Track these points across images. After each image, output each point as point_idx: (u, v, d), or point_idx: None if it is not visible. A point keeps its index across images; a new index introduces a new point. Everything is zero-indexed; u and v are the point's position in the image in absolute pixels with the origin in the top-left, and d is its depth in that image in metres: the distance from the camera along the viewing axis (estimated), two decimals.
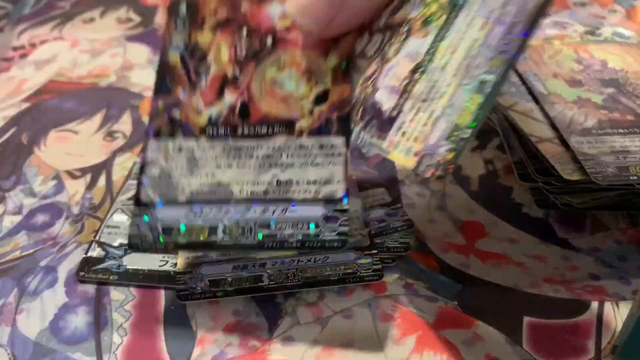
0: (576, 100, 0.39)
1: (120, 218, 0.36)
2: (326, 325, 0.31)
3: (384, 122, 0.28)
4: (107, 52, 0.56)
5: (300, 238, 0.28)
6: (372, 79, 0.29)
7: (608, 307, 0.32)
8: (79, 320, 0.31)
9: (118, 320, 0.31)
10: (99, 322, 0.31)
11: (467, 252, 0.35)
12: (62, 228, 0.37)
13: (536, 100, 0.40)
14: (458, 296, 0.33)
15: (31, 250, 0.35)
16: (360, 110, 0.29)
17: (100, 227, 0.36)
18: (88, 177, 0.41)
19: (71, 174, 0.41)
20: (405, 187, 0.40)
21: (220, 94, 0.31)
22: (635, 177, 0.32)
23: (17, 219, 0.38)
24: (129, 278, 0.33)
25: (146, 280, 0.33)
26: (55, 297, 0.33)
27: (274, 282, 0.32)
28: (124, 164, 0.42)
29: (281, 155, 0.29)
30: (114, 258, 0.34)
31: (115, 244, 0.35)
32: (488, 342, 0.30)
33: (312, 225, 0.28)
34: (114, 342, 0.30)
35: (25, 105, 0.49)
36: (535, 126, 0.37)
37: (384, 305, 0.32)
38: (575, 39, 0.47)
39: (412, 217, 0.36)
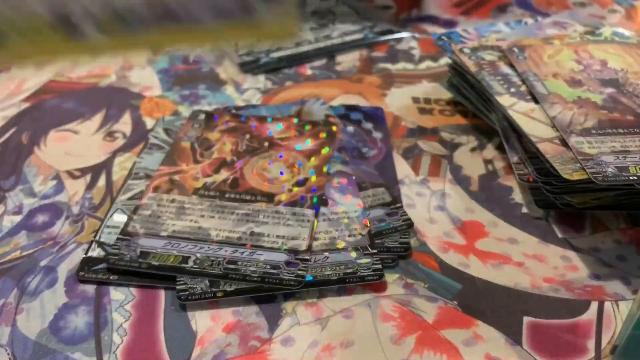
0: (576, 100, 0.39)
1: (120, 218, 0.36)
2: (326, 325, 0.31)
3: None
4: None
5: (261, 274, 0.32)
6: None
7: (608, 307, 0.32)
8: (79, 320, 0.31)
9: (118, 320, 0.31)
10: (99, 322, 0.31)
11: (467, 252, 0.35)
12: (62, 228, 0.37)
13: (536, 100, 0.40)
14: (458, 296, 0.33)
15: (31, 250, 0.35)
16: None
17: (100, 227, 0.36)
18: (88, 177, 0.41)
19: (71, 174, 0.41)
20: (405, 186, 0.40)
21: (217, 170, 0.39)
22: (635, 177, 0.32)
23: (17, 218, 0.38)
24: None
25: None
26: (55, 297, 0.33)
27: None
28: (124, 163, 0.42)
29: (258, 215, 0.36)
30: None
31: None
32: (488, 342, 0.30)
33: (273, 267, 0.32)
34: (114, 342, 0.30)
35: (25, 105, 0.49)
36: (535, 126, 0.37)
37: (384, 305, 0.32)
38: (575, 39, 0.47)
39: (412, 217, 0.36)
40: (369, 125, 0.45)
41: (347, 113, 0.46)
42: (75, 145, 0.44)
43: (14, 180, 0.41)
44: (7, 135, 0.45)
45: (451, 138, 0.44)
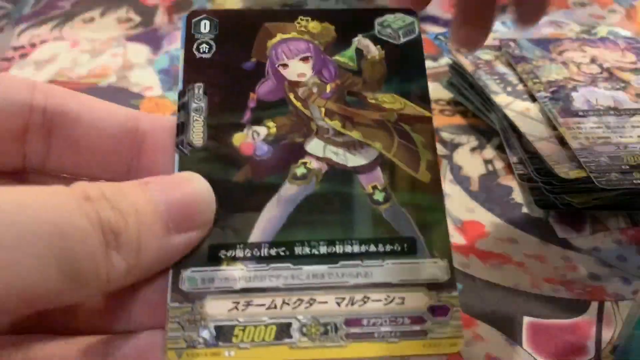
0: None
1: None
2: None
3: None
4: (107, 52, 0.56)
5: None
6: None
7: (608, 307, 0.32)
8: None
9: None
10: None
11: (467, 252, 0.35)
12: None
13: (533, 99, 0.40)
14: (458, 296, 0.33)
15: None
16: None
17: None
18: None
19: None
20: None
21: None
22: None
23: None
24: None
25: None
26: None
27: None
28: None
29: None
30: None
31: None
32: (488, 342, 0.30)
33: None
34: None
35: None
36: (532, 125, 0.37)
37: None
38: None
39: None
40: None
41: None
42: None
43: None
44: None
45: (451, 138, 0.44)
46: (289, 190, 0.21)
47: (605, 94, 0.40)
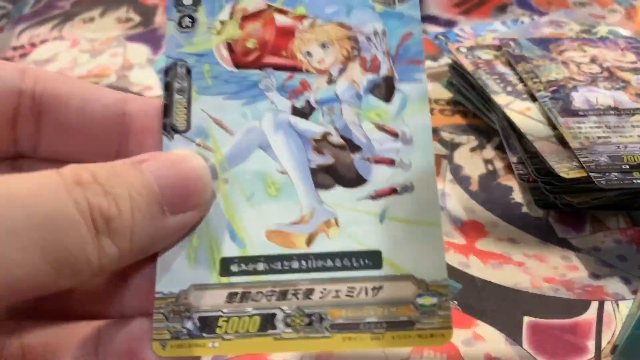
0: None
1: None
2: None
3: None
4: (107, 51, 0.56)
5: None
6: None
7: (608, 306, 0.32)
8: None
9: None
10: None
11: (467, 252, 0.35)
12: None
13: (533, 98, 0.40)
14: (458, 296, 0.33)
15: None
16: None
17: None
18: None
19: None
20: None
21: None
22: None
23: None
24: None
25: None
26: None
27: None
28: None
29: None
30: None
31: None
32: (488, 341, 0.30)
33: None
34: None
35: None
36: (532, 125, 0.37)
37: None
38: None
39: None
40: None
41: None
42: None
43: None
44: None
45: (451, 138, 0.44)
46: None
47: (606, 94, 0.40)
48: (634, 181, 0.32)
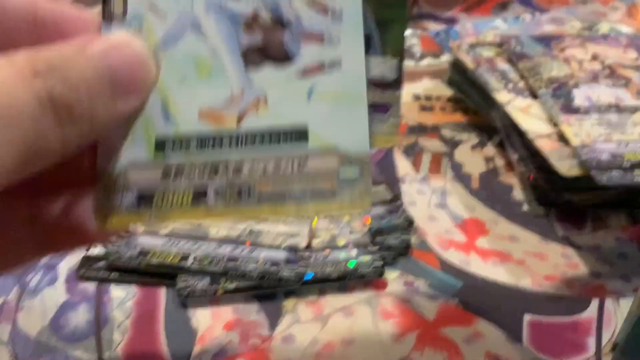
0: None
1: None
2: (326, 322, 0.31)
3: None
4: None
5: (261, 272, 0.32)
6: None
7: (609, 304, 0.32)
8: (80, 318, 0.31)
9: (118, 318, 0.31)
10: (100, 319, 0.31)
11: (468, 250, 0.35)
12: None
13: (534, 95, 0.40)
14: (458, 294, 0.33)
15: None
16: None
17: None
18: None
19: None
20: (405, 184, 0.40)
21: None
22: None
23: None
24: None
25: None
26: (55, 294, 0.33)
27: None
28: None
29: None
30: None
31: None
32: (489, 339, 0.30)
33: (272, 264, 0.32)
34: (115, 340, 0.30)
35: None
36: (533, 122, 0.37)
37: (384, 303, 0.32)
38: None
39: (412, 215, 0.36)
40: None
41: None
42: None
43: None
44: None
45: (452, 135, 0.44)
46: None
47: (607, 91, 0.40)
48: (635, 179, 0.32)
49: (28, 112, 0.16)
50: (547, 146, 0.35)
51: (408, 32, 0.58)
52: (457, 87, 0.47)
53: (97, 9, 0.21)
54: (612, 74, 0.41)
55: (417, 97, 0.49)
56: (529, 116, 0.38)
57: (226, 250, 0.33)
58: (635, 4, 0.63)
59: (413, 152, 0.43)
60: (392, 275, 0.33)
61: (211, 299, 0.32)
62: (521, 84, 0.41)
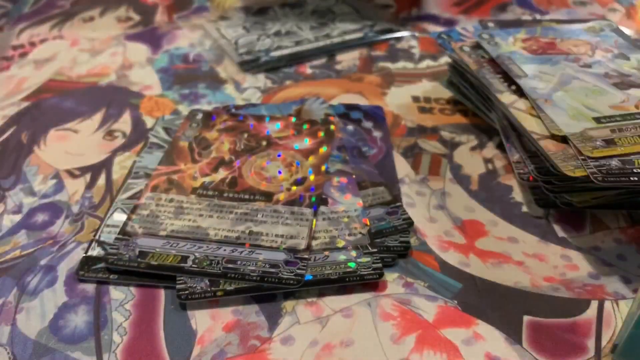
0: None
1: (121, 217, 0.36)
2: (326, 324, 0.31)
3: None
4: (107, 51, 0.56)
5: (260, 273, 0.32)
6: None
7: (608, 306, 0.32)
8: (79, 319, 0.31)
9: (118, 320, 0.31)
10: (99, 321, 0.31)
11: (467, 251, 0.35)
12: (62, 227, 0.37)
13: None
14: (458, 295, 0.33)
15: (31, 250, 0.35)
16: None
17: (100, 226, 0.36)
18: (88, 176, 0.41)
19: (71, 173, 0.41)
20: (405, 185, 0.40)
21: (215, 170, 0.40)
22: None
23: (17, 218, 0.38)
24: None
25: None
26: (55, 296, 0.33)
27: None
28: (124, 162, 0.42)
29: (257, 215, 0.36)
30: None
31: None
32: (488, 341, 0.30)
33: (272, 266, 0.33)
34: (114, 341, 0.30)
35: (25, 104, 0.49)
36: (536, 123, 0.37)
37: (384, 304, 0.32)
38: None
39: (412, 216, 0.36)
40: (369, 124, 0.45)
41: (347, 112, 0.46)
42: (75, 144, 0.44)
43: (13, 179, 0.41)
44: (6, 134, 0.45)
45: (451, 137, 0.44)
46: None
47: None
48: (631, 178, 0.32)
49: None
50: (551, 147, 0.35)
51: (407, 33, 0.59)
52: (456, 88, 0.47)
53: None
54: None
55: (416, 99, 0.49)
56: (532, 117, 0.38)
57: (225, 251, 0.33)
58: (634, 5, 0.63)
59: (412, 154, 0.43)
60: (391, 277, 0.33)
61: (210, 300, 0.32)
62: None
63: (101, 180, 0.40)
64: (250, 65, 0.53)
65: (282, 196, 0.37)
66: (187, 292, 0.31)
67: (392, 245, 0.35)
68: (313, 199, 0.37)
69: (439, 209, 0.38)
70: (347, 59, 0.55)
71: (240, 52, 0.55)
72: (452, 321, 0.31)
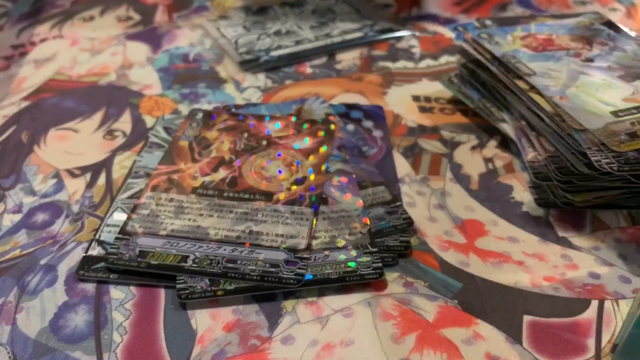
0: None
1: (121, 216, 0.36)
2: (326, 323, 0.31)
3: None
4: (107, 50, 0.56)
5: (260, 273, 0.32)
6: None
7: (608, 305, 0.32)
8: (79, 318, 0.31)
9: (118, 319, 0.31)
10: (99, 320, 0.31)
11: (467, 251, 0.35)
12: (62, 227, 0.37)
13: None
14: (458, 295, 0.33)
15: (31, 249, 0.35)
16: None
17: (100, 225, 0.36)
18: (88, 175, 0.41)
19: (71, 173, 0.41)
20: (405, 185, 0.40)
21: (215, 169, 0.40)
22: None
23: (17, 217, 0.38)
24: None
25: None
26: (55, 295, 0.33)
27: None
28: (124, 162, 0.42)
29: (257, 214, 0.36)
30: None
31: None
32: (488, 340, 0.30)
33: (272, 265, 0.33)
34: (114, 341, 0.30)
35: (25, 103, 0.49)
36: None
37: (384, 304, 0.32)
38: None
39: (412, 216, 0.36)
40: (369, 124, 0.45)
41: (348, 111, 0.46)
42: (75, 143, 0.44)
43: (13, 179, 0.41)
44: (6, 133, 0.45)
45: (451, 136, 0.44)
46: None
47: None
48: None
49: None
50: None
51: (407, 33, 0.58)
52: (457, 87, 0.47)
53: None
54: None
55: (416, 98, 0.49)
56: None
57: (225, 251, 0.33)
58: (635, 5, 0.63)
59: (412, 153, 0.43)
60: (391, 276, 0.33)
61: (211, 300, 0.32)
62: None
63: (101, 180, 0.40)
64: (251, 64, 0.53)
65: (282, 196, 0.37)
66: (187, 291, 0.31)
67: (392, 245, 0.35)
68: (313, 198, 0.37)
69: (439, 209, 0.38)
70: (347, 59, 0.55)
71: (241, 51, 0.55)
72: (452, 321, 0.31)
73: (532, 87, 0.40)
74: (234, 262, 0.33)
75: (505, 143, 0.44)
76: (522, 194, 0.39)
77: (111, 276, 0.33)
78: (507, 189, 0.40)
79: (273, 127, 0.43)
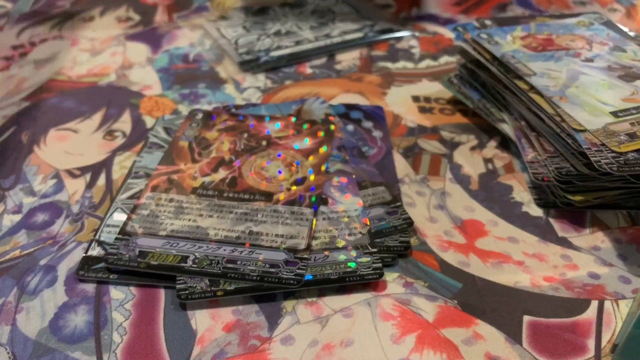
0: None
1: (121, 217, 0.36)
2: (326, 324, 0.31)
3: None
4: (107, 50, 0.56)
5: (260, 273, 0.32)
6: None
7: (608, 305, 0.32)
8: (79, 319, 0.31)
9: (118, 319, 0.31)
10: (99, 321, 0.31)
11: (467, 251, 0.35)
12: (62, 227, 0.37)
13: None
14: (458, 295, 0.33)
15: (31, 249, 0.35)
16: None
17: (100, 226, 0.36)
18: (88, 176, 0.41)
19: (71, 173, 0.41)
20: (405, 185, 0.40)
21: (215, 169, 0.40)
22: None
23: (17, 217, 0.38)
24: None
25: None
26: (55, 296, 0.33)
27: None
28: (124, 162, 0.42)
29: (257, 215, 0.36)
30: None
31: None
32: (488, 341, 0.30)
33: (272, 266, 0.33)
34: (114, 341, 0.30)
35: (25, 104, 0.49)
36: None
37: (383, 304, 0.32)
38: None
39: (412, 216, 0.36)
40: (369, 124, 0.45)
41: (347, 112, 0.46)
42: (75, 144, 0.44)
43: (13, 179, 0.41)
44: (6, 134, 0.45)
45: (451, 137, 0.44)
46: None
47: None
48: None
49: None
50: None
51: (407, 33, 0.59)
52: (457, 88, 0.47)
53: None
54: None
55: (416, 99, 0.49)
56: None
57: (225, 251, 0.33)
58: (634, 5, 0.63)
59: (412, 154, 0.43)
60: (391, 277, 0.33)
61: (210, 300, 0.32)
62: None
63: (101, 180, 0.40)
64: (250, 65, 0.53)
65: (282, 196, 0.37)
66: (187, 292, 0.31)
67: (392, 245, 0.35)
68: (313, 198, 0.37)
69: (439, 209, 0.38)
70: (347, 59, 0.55)
71: (240, 51, 0.55)
72: (452, 321, 0.31)
73: (532, 88, 0.40)
74: (233, 262, 0.33)
75: (505, 143, 0.44)
76: (522, 194, 0.39)
77: (111, 276, 0.33)
78: (507, 189, 0.40)
79: (273, 128, 0.43)
